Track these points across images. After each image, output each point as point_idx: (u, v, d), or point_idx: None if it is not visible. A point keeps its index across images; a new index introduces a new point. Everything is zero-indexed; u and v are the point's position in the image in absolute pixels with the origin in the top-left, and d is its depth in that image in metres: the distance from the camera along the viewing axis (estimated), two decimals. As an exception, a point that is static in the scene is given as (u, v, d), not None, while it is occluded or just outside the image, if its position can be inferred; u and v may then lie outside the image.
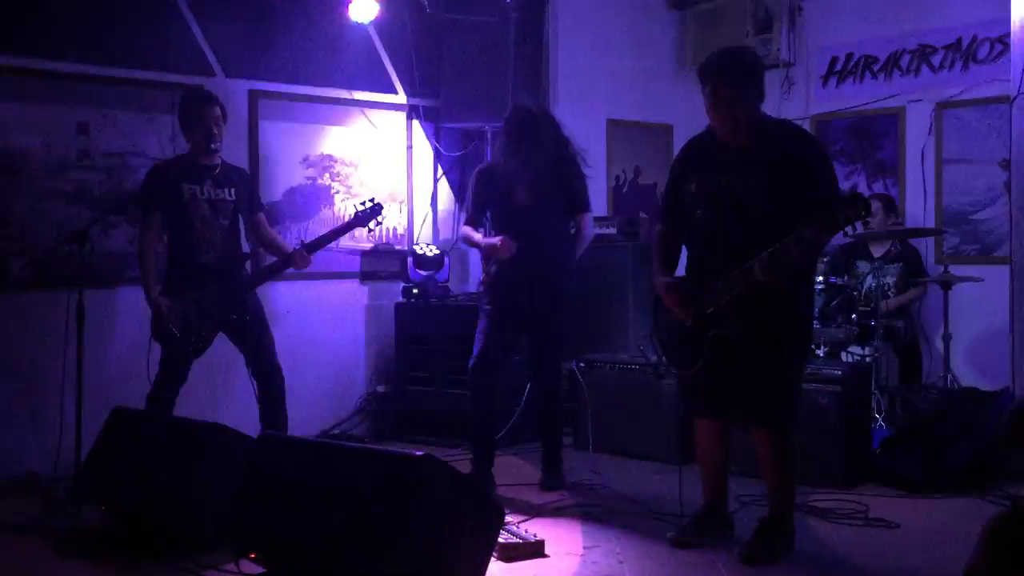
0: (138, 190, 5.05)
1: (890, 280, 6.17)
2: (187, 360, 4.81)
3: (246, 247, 5.21)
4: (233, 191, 4.92)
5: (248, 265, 5.16)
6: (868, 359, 5.74)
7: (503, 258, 4.78)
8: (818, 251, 3.67)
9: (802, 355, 3.93)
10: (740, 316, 3.71)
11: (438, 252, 6.42)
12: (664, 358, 4.12)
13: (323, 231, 5.15)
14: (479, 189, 5.00)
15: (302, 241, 5.05)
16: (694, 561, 3.79)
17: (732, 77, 3.69)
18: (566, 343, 5.11)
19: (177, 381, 4.82)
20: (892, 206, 6.36)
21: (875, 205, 6.27)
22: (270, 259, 5.20)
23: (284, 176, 6.13)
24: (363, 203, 5.06)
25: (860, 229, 5.92)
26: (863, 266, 6.15)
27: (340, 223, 5.28)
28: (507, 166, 4.88)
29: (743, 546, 3.80)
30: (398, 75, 6.63)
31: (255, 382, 4.94)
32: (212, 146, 4.82)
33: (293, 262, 4.91)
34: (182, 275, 4.82)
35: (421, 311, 6.30)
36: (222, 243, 4.87)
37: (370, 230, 5.07)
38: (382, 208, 5.07)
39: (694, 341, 3.83)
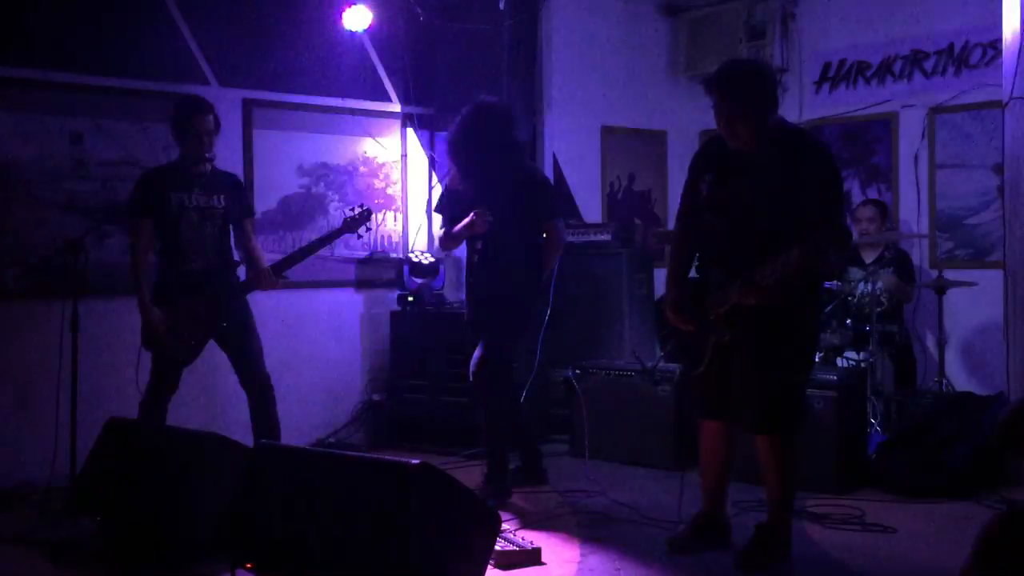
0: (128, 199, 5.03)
1: (882, 285, 6.17)
2: (177, 368, 4.81)
3: (237, 254, 5.18)
4: (223, 198, 4.90)
5: (242, 272, 5.15)
6: (863, 364, 5.74)
7: (481, 232, 4.78)
8: (810, 271, 3.57)
9: (807, 362, 3.90)
10: (744, 322, 3.69)
11: (433, 260, 6.42)
12: (674, 357, 4.11)
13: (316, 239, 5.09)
14: (446, 208, 5.05)
15: (275, 265, 4.95)
16: (691, 568, 3.79)
17: (736, 92, 3.65)
18: (511, 360, 4.99)
19: (168, 389, 4.80)
20: (886, 212, 6.37)
21: (870, 211, 6.28)
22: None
23: (278, 185, 6.12)
24: (352, 209, 5.03)
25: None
26: (855, 272, 6.15)
27: (326, 232, 5.17)
28: (465, 186, 4.88)
29: (740, 552, 3.80)
30: (392, 83, 6.64)
31: (244, 390, 4.93)
32: (204, 155, 4.81)
33: (258, 282, 4.87)
34: (172, 283, 4.81)
35: (417, 319, 6.30)
36: (211, 251, 4.86)
37: (359, 236, 5.04)
38: (371, 214, 5.02)
39: (699, 343, 3.84)
